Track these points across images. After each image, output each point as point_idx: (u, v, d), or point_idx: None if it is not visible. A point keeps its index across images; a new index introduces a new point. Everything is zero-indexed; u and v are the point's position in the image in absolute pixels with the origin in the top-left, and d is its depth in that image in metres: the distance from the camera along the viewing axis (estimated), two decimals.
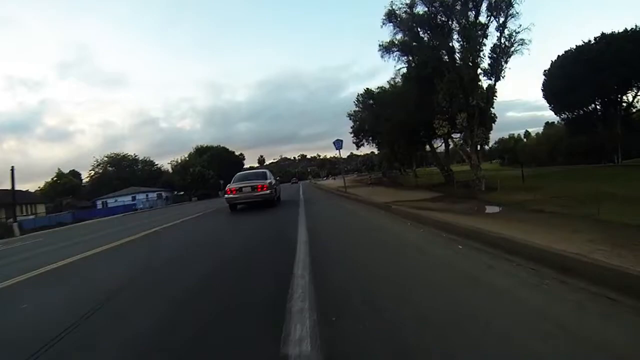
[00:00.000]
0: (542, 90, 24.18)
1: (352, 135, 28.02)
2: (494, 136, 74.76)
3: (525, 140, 60.48)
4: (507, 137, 73.13)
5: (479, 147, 10.44)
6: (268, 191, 9.30)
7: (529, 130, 65.08)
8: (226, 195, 10.00)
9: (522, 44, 10.26)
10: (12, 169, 23.00)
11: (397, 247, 3.74)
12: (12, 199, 22.91)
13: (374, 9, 50.25)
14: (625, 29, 20.20)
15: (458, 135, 13.76)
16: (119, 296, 2.90)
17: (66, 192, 49.17)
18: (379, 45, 12.19)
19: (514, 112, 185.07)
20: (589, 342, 1.48)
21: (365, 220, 6.20)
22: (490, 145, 66.48)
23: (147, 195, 44.12)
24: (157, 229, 8.55)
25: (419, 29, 10.56)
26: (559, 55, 23.16)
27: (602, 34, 20.65)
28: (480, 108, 9.83)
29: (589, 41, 21.10)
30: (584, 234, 3.09)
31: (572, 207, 5.80)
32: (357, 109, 25.61)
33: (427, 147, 20.58)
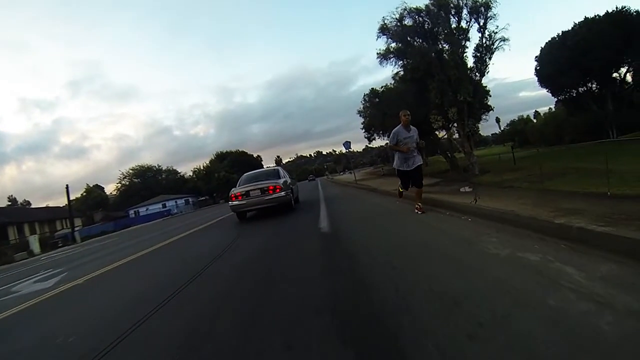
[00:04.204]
0: (536, 75, 24.92)
1: (363, 130, 27.97)
2: (506, 118, 73.45)
3: (535, 120, 60.02)
4: (517, 119, 72.46)
5: (470, 136, 11.68)
6: (283, 192, 7.95)
7: (541, 109, 63.39)
8: (230, 203, 8.29)
9: (503, 41, 11.53)
10: (67, 187, 25.77)
11: (379, 207, 5.33)
12: (70, 214, 25.73)
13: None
14: (607, 11, 20.65)
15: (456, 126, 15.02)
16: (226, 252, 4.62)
17: (96, 205, 51.15)
18: (377, 54, 13.36)
19: (526, 92, 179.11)
20: (468, 233, 2.96)
21: (364, 200, 7.81)
22: (502, 128, 66.05)
23: (176, 202, 46.51)
24: (205, 225, 10.37)
25: (409, 38, 11.91)
26: (546, 42, 23.95)
27: (585, 18, 21.25)
28: (468, 103, 11.12)
29: (575, 25, 21.70)
30: (526, 199, 4.44)
31: (534, 182, 7.14)
32: (365, 105, 26.38)
33: (440, 134, 21.36)
